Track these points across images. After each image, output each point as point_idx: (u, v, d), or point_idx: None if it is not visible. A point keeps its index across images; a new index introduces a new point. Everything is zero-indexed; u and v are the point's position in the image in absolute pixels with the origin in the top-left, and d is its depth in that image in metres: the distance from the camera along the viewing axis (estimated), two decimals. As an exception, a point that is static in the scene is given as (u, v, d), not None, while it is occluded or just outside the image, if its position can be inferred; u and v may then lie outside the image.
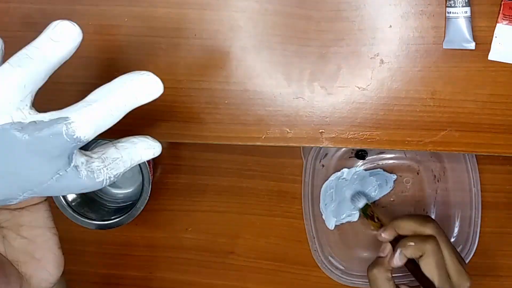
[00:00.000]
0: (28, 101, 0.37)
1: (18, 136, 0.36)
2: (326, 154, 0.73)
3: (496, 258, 0.72)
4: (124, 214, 0.71)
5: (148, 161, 0.70)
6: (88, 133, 0.36)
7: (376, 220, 0.69)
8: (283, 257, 0.76)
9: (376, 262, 0.62)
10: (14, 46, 0.57)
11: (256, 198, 0.76)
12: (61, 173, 0.38)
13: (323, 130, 0.55)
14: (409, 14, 0.52)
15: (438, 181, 0.73)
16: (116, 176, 0.40)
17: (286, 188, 0.74)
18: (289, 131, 0.56)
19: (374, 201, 0.74)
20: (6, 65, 0.36)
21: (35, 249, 0.46)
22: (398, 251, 0.59)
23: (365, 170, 0.74)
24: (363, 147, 0.56)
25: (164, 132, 0.57)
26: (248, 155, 0.75)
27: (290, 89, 0.55)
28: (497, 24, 0.51)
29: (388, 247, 0.62)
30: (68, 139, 0.36)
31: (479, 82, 0.53)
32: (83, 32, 0.36)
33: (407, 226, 0.62)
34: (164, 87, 0.56)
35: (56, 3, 0.55)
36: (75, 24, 0.36)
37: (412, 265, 0.60)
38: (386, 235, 0.62)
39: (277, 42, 0.54)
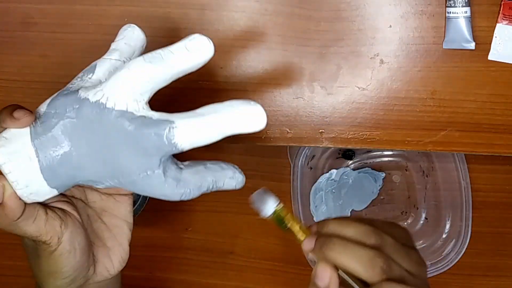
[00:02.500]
0: (146, 97, 0.40)
1: (125, 125, 0.39)
2: (314, 156, 0.73)
3: (490, 258, 0.72)
4: (124, 214, 0.71)
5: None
6: (184, 142, 0.39)
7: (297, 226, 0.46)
8: (283, 257, 0.76)
9: None
10: (14, 46, 0.57)
11: (256, 198, 0.76)
12: (148, 173, 0.41)
13: (323, 130, 0.55)
14: (409, 14, 0.52)
15: (427, 176, 0.73)
16: (195, 194, 0.42)
17: (286, 188, 0.74)
18: (289, 131, 0.56)
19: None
20: (140, 58, 0.39)
21: (109, 237, 0.47)
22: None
23: (354, 169, 0.74)
24: (363, 147, 0.56)
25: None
26: (248, 155, 0.75)
27: (290, 89, 0.55)
28: (497, 24, 0.51)
29: (329, 270, 0.42)
30: (167, 142, 0.39)
31: (479, 82, 0.53)
32: (215, 51, 0.38)
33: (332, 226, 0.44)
34: (165, 87, 0.56)
35: (56, 3, 0.55)
36: (211, 41, 0.38)
37: None
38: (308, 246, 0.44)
39: (277, 42, 0.54)
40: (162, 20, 0.54)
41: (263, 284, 0.77)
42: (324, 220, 0.45)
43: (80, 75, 0.43)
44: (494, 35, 0.51)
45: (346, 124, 0.55)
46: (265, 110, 0.55)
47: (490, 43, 0.51)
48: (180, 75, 0.40)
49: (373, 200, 0.75)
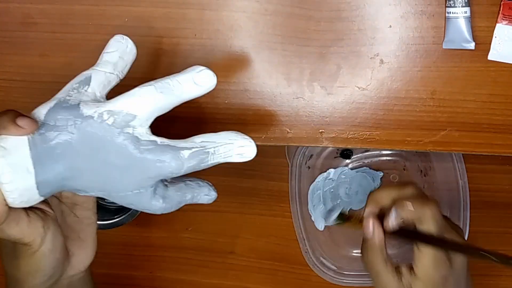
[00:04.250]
0: (150, 122, 0.42)
1: (129, 149, 0.41)
2: (312, 156, 0.73)
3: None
4: (124, 214, 0.71)
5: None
6: (187, 170, 0.42)
7: (352, 219, 0.60)
8: (283, 257, 0.76)
9: (365, 246, 0.54)
10: (14, 46, 0.57)
11: (256, 198, 0.76)
12: (141, 190, 0.42)
13: (323, 130, 0.55)
14: (409, 14, 0.52)
15: (425, 175, 0.73)
16: (174, 209, 0.46)
17: (286, 188, 0.74)
18: (289, 131, 0.56)
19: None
20: (151, 87, 0.41)
21: (81, 229, 0.49)
22: (393, 211, 0.51)
23: (352, 169, 0.74)
24: (363, 147, 0.56)
25: (164, 132, 0.57)
26: (248, 155, 0.75)
27: (290, 89, 0.55)
28: (497, 24, 0.51)
29: (370, 221, 0.53)
30: (175, 169, 0.42)
31: (479, 82, 0.53)
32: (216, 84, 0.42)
33: (386, 195, 0.54)
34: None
35: (56, 3, 0.55)
36: (215, 75, 0.42)
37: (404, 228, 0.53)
38: (368, 211, 0.54)
39: (277, 42, 0.54)
40: (162, 20, 0.54)
41: (263, 284, 0.77)
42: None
43: (75, 85, 0.43)
44: (494, 35, 0.51)
45: (346, 124, 0.55)
46: (265, 110, 0.56)
47: (490, 43, 0.51)
48: (180, 103, 0.42)
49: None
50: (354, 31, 0.53)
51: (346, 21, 0.53)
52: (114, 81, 0.45)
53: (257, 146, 0.46)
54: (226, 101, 0.56)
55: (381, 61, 0.53)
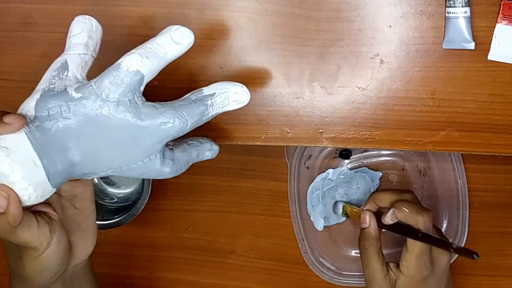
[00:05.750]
0: (142, 88, 0.41)
1: (130, 119, 0.40)
2: (310, 156, 0.73)
3: (488, 258, 0.72)
4: (124, 214, 0.71)
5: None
6: (191, 126, 0.43)
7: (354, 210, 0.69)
8: (283, 257, 0.76)
9: (363, 235, 0.62)
10: (14, 46, 0.57)
11: (256, 198, 0.76)
12: (151, 158, 0.43)
13: (323, 130, 0.55)
14: (409, 14, 0.52)
15: (423, 175, 0.73)
16: (184, 170, 0.47)
17: (286, 188, 0.74)
18: (289, 131, 0.56)
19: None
20: (135, 54, 0.41)
21: (82, 219, 0.49)
22: (391, 210, 0.59)
23: (350, 169, 0.74)
24: (363, 147, 0.56)
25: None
26: (248, 155, 0.75)
27: (290, 89, 0.55)
28: (497, 24, 0.51)
29: (368, 214, 0.61)
30: (179, 130, 0.42)
31: (479, 82, 0.53)
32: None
33: (385, 198, 0.62)
34: (165, 87, 0.56)
35: (56, 3, 0.55)
36: (191, 31, 0.42)
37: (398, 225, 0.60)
38: (367, 208, 0.62)
39: (277, 42, 0.54)
40: (162, 20, 0.54)
41: (263, 284, 0.77)
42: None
43: (53, 73, 0.43)
44: (494, 35, 0.51)
45: (346, 124, 0.55)
46: (265, 110, 0.56)
47: (490, 43, 0.51)
48: (166, 65, 0.42)
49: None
50: (354, 31, 0.53)
51: (346, 21, 0.53)
52: (90, 61, 0.45)
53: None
54: (226, 101, 0.56)
55: (381, 61, 0.53)
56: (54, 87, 0.42)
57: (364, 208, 0.63)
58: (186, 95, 0.45)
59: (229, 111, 0.47)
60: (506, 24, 0.50)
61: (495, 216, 0.73)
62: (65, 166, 0.41)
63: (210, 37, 0.54)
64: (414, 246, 0.57)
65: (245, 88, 0.45)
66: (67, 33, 0.55)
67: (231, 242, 0.77)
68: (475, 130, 0.54)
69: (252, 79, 0.55)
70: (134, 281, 0.79)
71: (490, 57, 0.52)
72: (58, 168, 0.40)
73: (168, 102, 0.43)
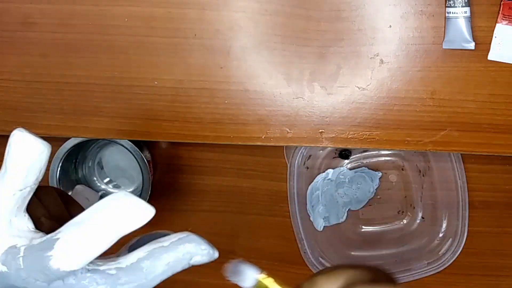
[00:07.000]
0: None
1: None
2: (310, 156, 0.73)
3: (487, 257, 0.72)
4: (124, 214, 0.71)
5: (148, 161, 0.70)
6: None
7: None
8: (282, 257, 0.76)
9: None
10: (14, 46, 0.57)
11: (256, 198, 0.76)
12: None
13: (322, 130, 0.55)
14: (409, 14, 0.52)
15: (423, 175, 0.73)
16: None
17: (286, 188, 0.74)
18: (289, 131, 0.56)
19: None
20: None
21: None
22: None
23: (350, 169, 0.74)
24: (363, 147, 0.56)
25: (164, 132, 0.57)
26: (248, 155, 0.75)
27: (290, 89, 0.55)
28: (497, 24, 0.51)
29: None
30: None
31: (479, 82, 0.53)
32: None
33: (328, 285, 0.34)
34: (165, 87, 0.56)
35: (56, 3, 0.55)
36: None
37: None
38: None
39: (277, 42, 0.54)
40: (162, 20, 0.54)
41: (263, 284, 0.77)
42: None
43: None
44: (494, 35, 0.51)
45: (346, 124, 0.55)
46: (265, 110, 0.56)
47: (490, 43, 0.51)
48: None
49: (369, 199, 0.75)
50: (354, 31, 0.53)
51: (346, 21, 0.53)
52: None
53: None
54: (226, 101, 0.56)
55: (381, 61, 0.53)
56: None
57: None
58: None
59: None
60: (506, 24, 0.50)
61: (495, 216, 0.73)
62: None
63: (210, 37, 0.54)
64: None
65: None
66: (67, 33, 0.56)
67: (231, 242, 0.77)
68: (475, 130, 0.54)
69: (252, 79, 0.55)
70: (134, 281, 0.79)
71: (490, 57, 0.52)
72: None
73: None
